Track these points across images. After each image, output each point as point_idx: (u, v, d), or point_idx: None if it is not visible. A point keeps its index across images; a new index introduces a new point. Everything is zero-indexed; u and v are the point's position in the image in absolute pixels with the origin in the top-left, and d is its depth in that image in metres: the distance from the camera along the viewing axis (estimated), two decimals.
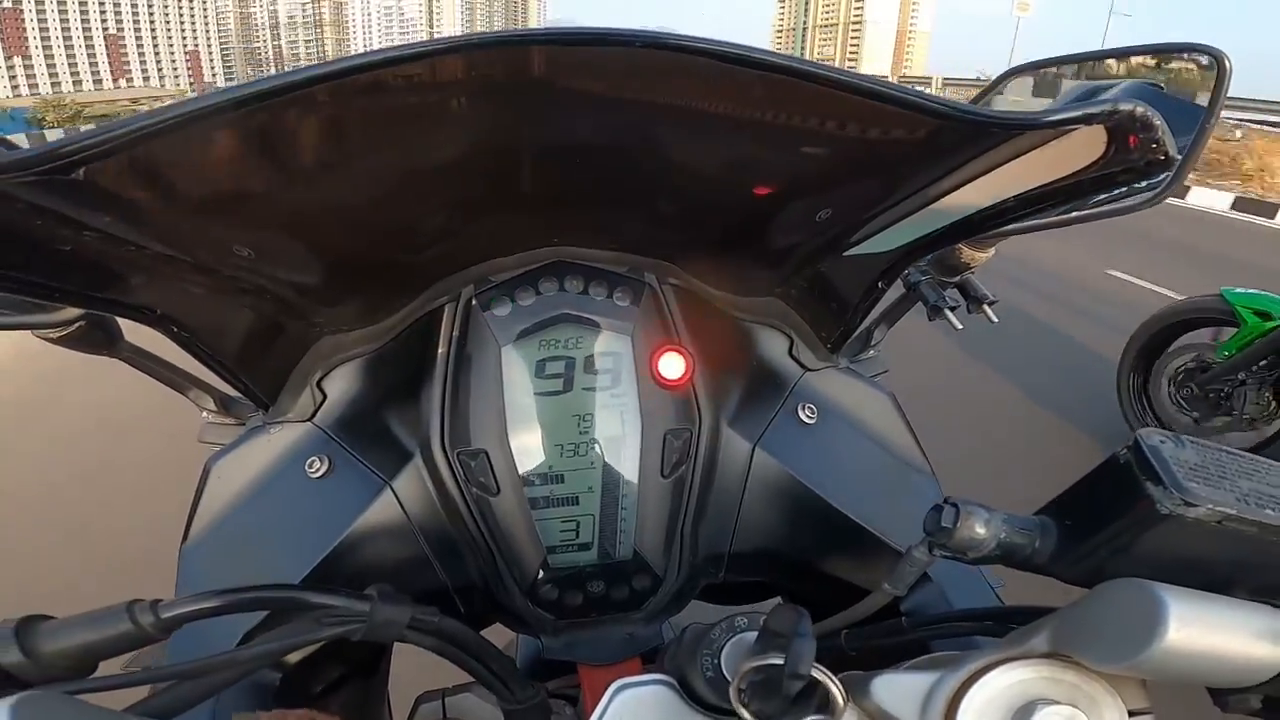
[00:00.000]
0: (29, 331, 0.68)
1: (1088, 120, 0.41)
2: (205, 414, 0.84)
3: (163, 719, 0.42)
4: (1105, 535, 0.39)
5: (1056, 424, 3.89)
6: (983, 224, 0.56)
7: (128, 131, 0.34)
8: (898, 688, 0.44)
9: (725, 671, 0.46)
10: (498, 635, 0.73)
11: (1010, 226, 0.74)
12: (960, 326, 0.83)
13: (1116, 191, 0.59)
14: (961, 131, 0.44)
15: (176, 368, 0.82)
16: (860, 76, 0.39)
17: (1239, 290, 3.02)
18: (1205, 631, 0.35)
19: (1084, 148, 0.45)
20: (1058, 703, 0.39)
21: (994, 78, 1.05)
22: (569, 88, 0.41)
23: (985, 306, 0.84)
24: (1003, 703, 0.41)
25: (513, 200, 0.57)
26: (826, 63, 0.40)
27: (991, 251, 0.79)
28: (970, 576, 0.66)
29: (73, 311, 0.68)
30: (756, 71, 0.37)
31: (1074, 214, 0.75)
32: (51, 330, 0.68)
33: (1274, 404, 2.88)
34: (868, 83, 0.39)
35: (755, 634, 0.45)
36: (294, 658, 0.62)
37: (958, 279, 0.84)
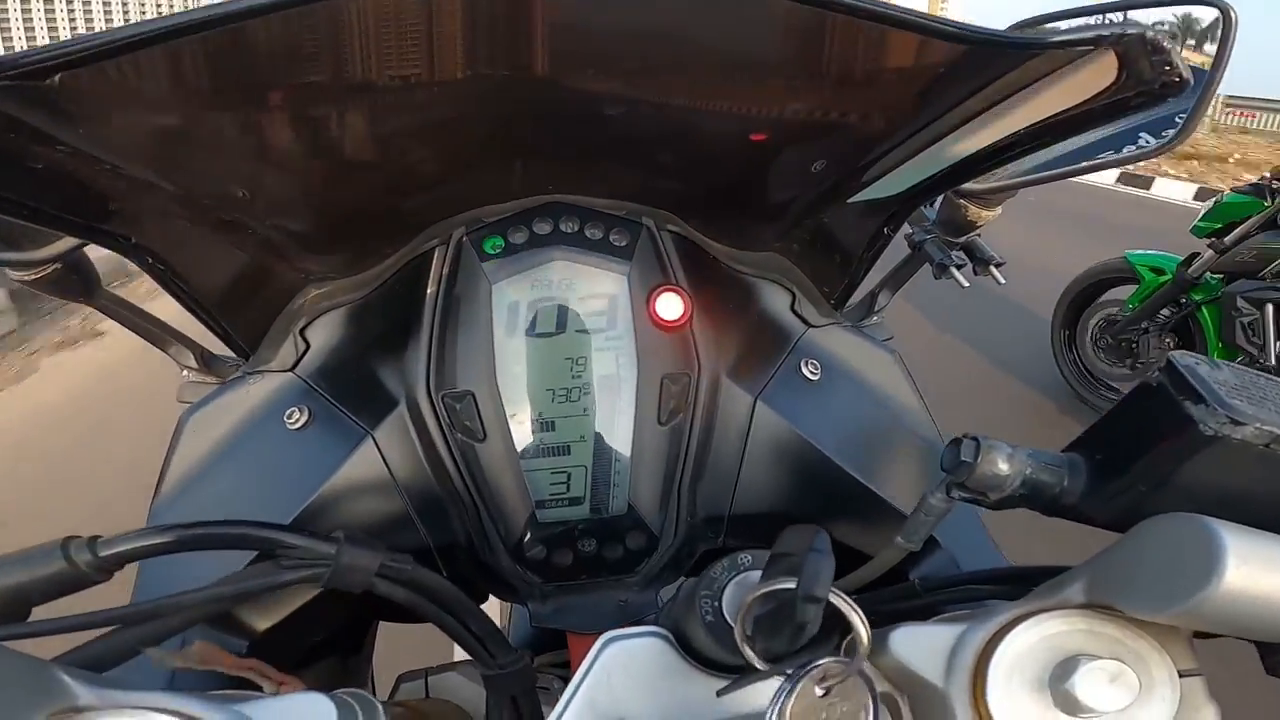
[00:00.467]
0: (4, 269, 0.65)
1: (1098, 42, 0.38)
2: (185, 372, 0.80)
3: (98, 669, 0.38)
4: (1142, 467, 0.36)
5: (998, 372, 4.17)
6: (990, 160, 0.52)
7: (108, 42, 0.31)
8: (920, 641, 0.40)
9: (728, 615, 0.41)
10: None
11: (1022, 176, 0.72)
12: (966, 284, 0.80)
13: (1126, 126, 0.56)
14: (966, 56, 0.41)
15: (157, 320, 0.79)
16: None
17: (1139, 251, 3.42)
18: (1267, 572, 0.30)
19: (1094, 75, 0.42)
20: (1100, 657, 0.35)
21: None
22: (565, 24, 0.39)
23: (992, 267, 0.81)
24: (1038, 657, 0.37)
25: (508, 147, 0.54)
26: None
27: (999, 210, 0.76)
28: (979, 540, 0.63)
29: (49, 251, 0.64)
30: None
31: (1086, 162, 0.72)
32: (25, 271, 0.64)
33: (1174, 348, 3.17)
34: (862, 2, 0.36)
35: (758, 571, 0.41)
36: (263, 624, 0.59)
37: (964, 239, 0.80)
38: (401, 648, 0.94)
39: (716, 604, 0.42)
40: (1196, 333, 3.08)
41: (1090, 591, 0.36)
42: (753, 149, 0.54)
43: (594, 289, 0.62)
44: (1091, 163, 0.72)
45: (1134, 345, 3.37)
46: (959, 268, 0.79)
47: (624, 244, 0.62)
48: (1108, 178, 10.40)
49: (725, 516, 0.66)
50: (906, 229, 0.87)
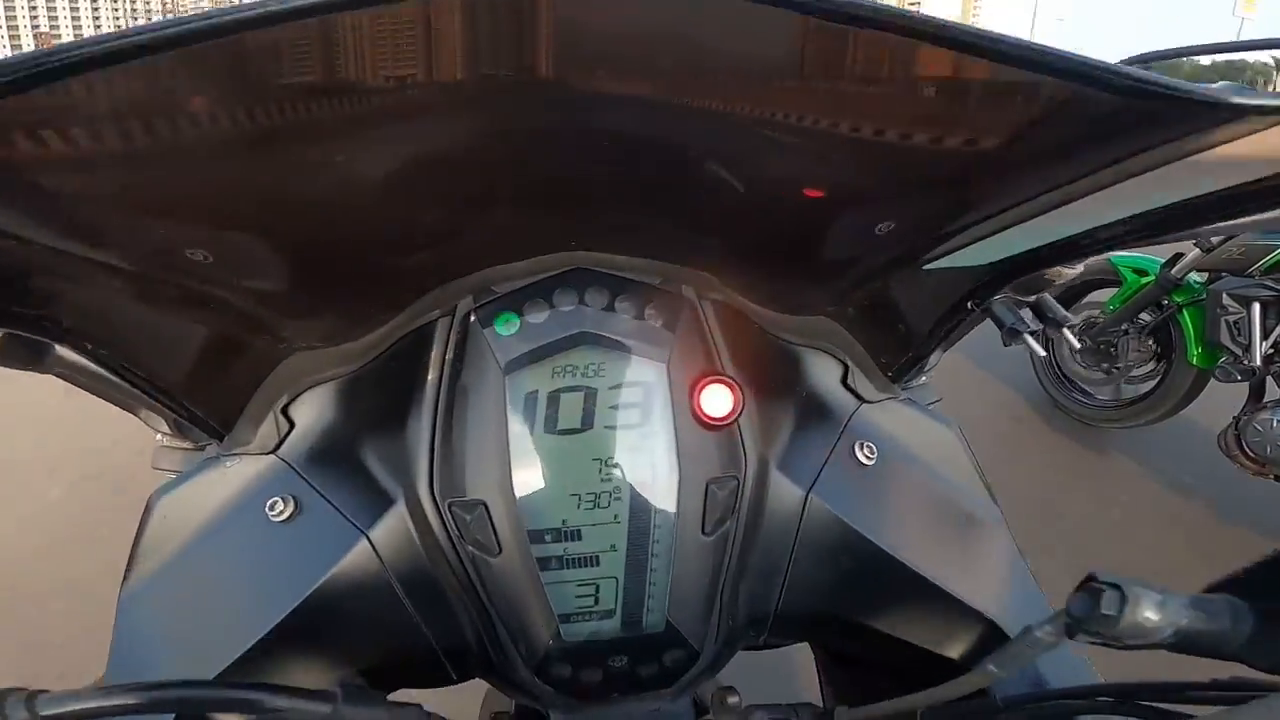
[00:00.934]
0: None
1: None
2: (159, 436, 0.72)
3: None
4: None
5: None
6: (1123, 235, 0.44)
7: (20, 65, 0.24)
8: None
9: None
10: None
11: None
12: (1044, 353, 0.71)
13: None
14: (1117, 111, 0.32)
15: (122, 385, 0.71)
16: (962, 26, 0.28)
17: (1122, 253, 3.15)
18: None
19: (1266, 147, 0.34)
20: None
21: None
22: (590, 51, 0.31)
23: (1064, 330, 0.72)
24: None
25: (523, 194, 0.45)
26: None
27: (1080, 267, 0.68)
28: (1065, 656, 0.54)
29: None
30: (817, 19, 0.28)
31: (1221, 222, 0.64)
32: None
33: (1155, 349, 3.14)
34: (974, 33, 0.28)
35: None
36: None
37: (1033, 298, 0.72)
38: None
39: None
40: (1177, 336, 2.98)
41: None
42: (808, 204, 0.45)
43: (627, 377, 0.53)
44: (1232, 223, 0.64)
45: (1113, 348, 3.25)
46: (1032, 334, 0.69)
47: (663, 322, 0.54)
48: None
49: (770, 616, 0.58)
50: None
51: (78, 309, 0.42)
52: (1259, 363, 2.60)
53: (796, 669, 1.40)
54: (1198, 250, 2.86)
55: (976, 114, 0.35)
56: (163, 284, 0.43)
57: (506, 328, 0.52)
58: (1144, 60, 0.86)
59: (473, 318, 0.53)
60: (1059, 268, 0.67)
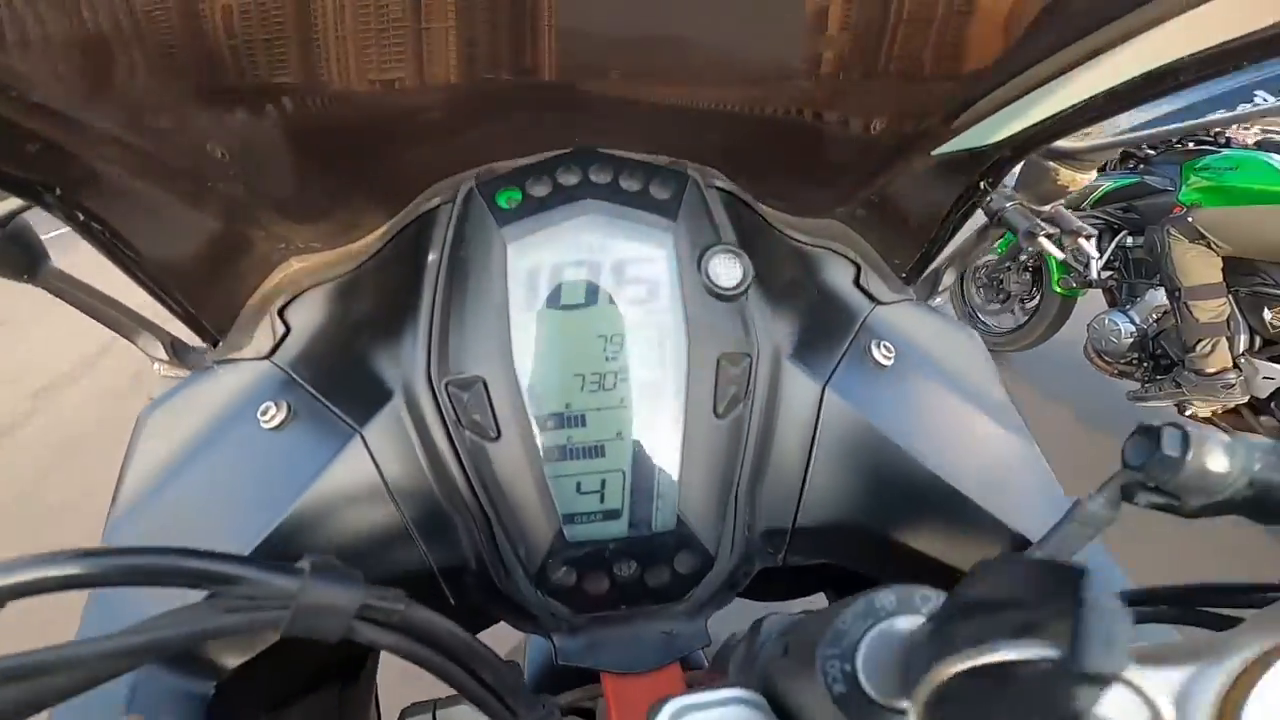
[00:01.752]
0: None
1: None
2: (157, 365, 0.68)
3: None
4: None
5: None
6: (1122, 100, 0.41)
7: None
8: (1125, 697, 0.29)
9: (868, 685, 0.27)
10: (498, 639, 0.57)
11: (1121, 134, 0.61)
12: (1061, 255, 0.68)
13: (1240, 81, 0.45)
14: None
15: (118, 304, 0.67)
16: None
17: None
18: None
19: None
20: None
21: None
22: None
23: (1081, 239, 0.69)
24: None
25: (531, 91, 0.43)
26: None
27: (1093, 173, 0.65)
28: (1095, 553, 0.51)
29: None
30: None
31: (1194, 120, 0.62)
32: None
33: (1032, 282, 3.58)
34: None
35: (915, 619, 0.28)
36: (234, 659, 0.47)
37: (1049, 208, 0.69)
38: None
39: (849, 668, 0.28)
40: (1044, 268, 3.45)
41: None
42: (799, 101, 0.44)
43: (632, 251, 0.49)
44: (1201, 120, 0.62)
45: (1001, 282, 3.75)
46: (1048, 236, 0.67)
47: (667, 197, 0.50)
48: None
49: (789, 529, 0.54)
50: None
51: (77, 177, 0.40)
52: (1096, 277, 3.08)
53: None
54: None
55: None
56: (180, 174, 0.42)
57: (509, 201, 0.49)
58: None
59: (475, 194, 0.49)
60: (1074, 174, 0.65)
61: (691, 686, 0.52)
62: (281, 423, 0.52)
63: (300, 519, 0.48)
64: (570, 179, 0.50)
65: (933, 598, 0.28)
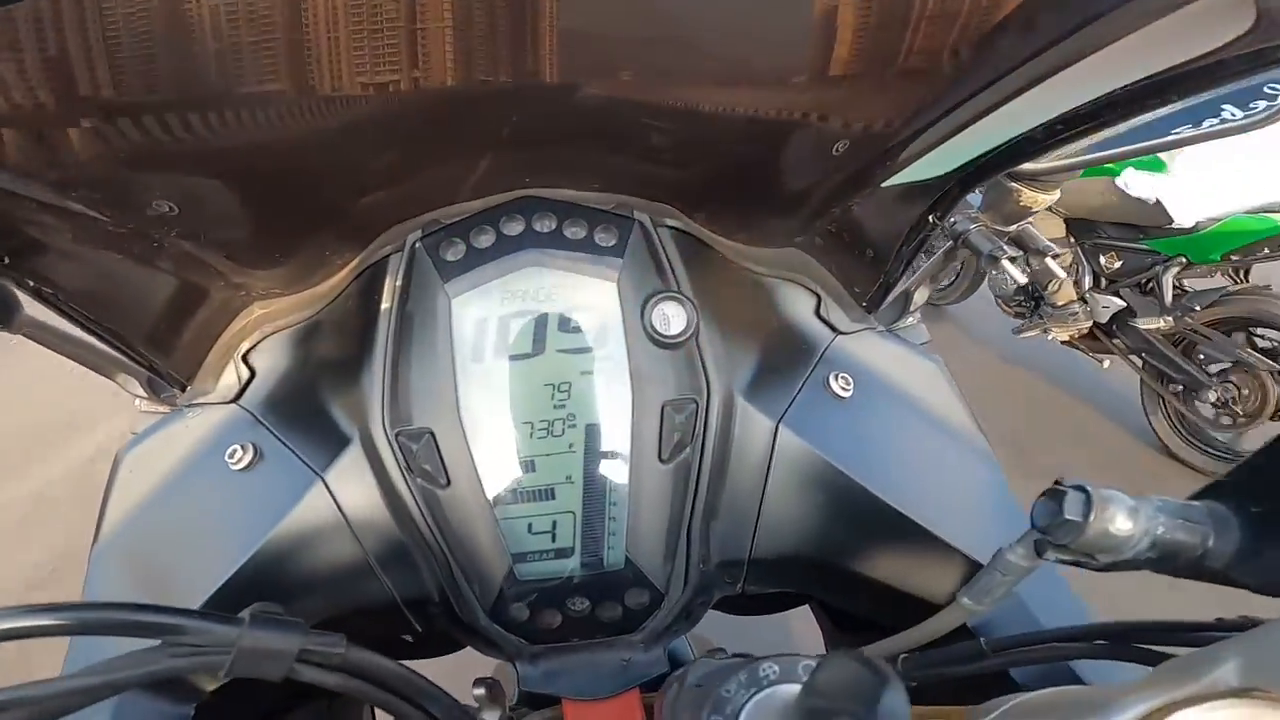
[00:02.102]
0: None
1: None
2: (138, 401, 0.70)
3: None
4: None
5: None
6: (1072, 130, 0.42)
7: None
8: None
9: None
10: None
11: (1085, 154, 0.60)
12: (1023, 281, 0.68)
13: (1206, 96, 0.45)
14: None
15: (93, 346, 0.69)
16: None
17: None
18: None
19: (1220, 19, 0.33)
20: None
21: None
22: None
23: (1048, 259, 0.69)
24: None
25: (477, 137, 0.44)
26: None
27: (1056, 193, 0.64)
28: (1052, 585, 0.52)
29: None
30: None
31: (1159, 139, 0.61)
32: None
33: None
34: None
35: (794, 689, 0.29)
36: (208, 684, 0.49)
37: (1013, 228, 0.68)
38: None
39: None
40: None
41: (1248, 674, 0.26)
42: (762, 127, 0.43)
43: (578, 299, 0.50)
44: (1165, 139, 0.61)
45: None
46: (1012, 260, 0.66)
47: (612, 244, 0.51)
48: None
49: (745, 560, 0.55)
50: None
51: (40, 257, 0.41)
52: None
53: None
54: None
55: (923, 20, 0.34)
56: (128, 234, 0.42)
57: (453, 254, 0.50)
58: None
59: (419, 246, 0.50)
60: (1036, 195, 0.64)
61: (649, 710, 0.54)
62: (249, 464, 0.53)
63: (267, 556, 0.50)
64: (514, 228, 0.50)
65: (811, 664, 0.29)
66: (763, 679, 0.30)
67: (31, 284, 0.42)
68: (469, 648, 0.63)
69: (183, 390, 0.57)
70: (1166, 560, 0.30)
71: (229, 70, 0.31)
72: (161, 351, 0.52)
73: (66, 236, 0.41)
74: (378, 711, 0.53)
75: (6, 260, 0.40)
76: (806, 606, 0.73)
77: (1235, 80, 0.39)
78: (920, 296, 0.72)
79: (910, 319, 0.71)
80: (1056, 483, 0.32)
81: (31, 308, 0.64)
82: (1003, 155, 0.45)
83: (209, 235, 0.46)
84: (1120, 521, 0.29)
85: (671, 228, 0.54)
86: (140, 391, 0.69)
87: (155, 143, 0.35)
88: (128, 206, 0.40)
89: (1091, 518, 0.29)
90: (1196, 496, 0.32)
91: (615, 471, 0.50)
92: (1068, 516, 0.29)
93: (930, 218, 0.50)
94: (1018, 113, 0.41)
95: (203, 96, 0.33)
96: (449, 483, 0.49)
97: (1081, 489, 0.30)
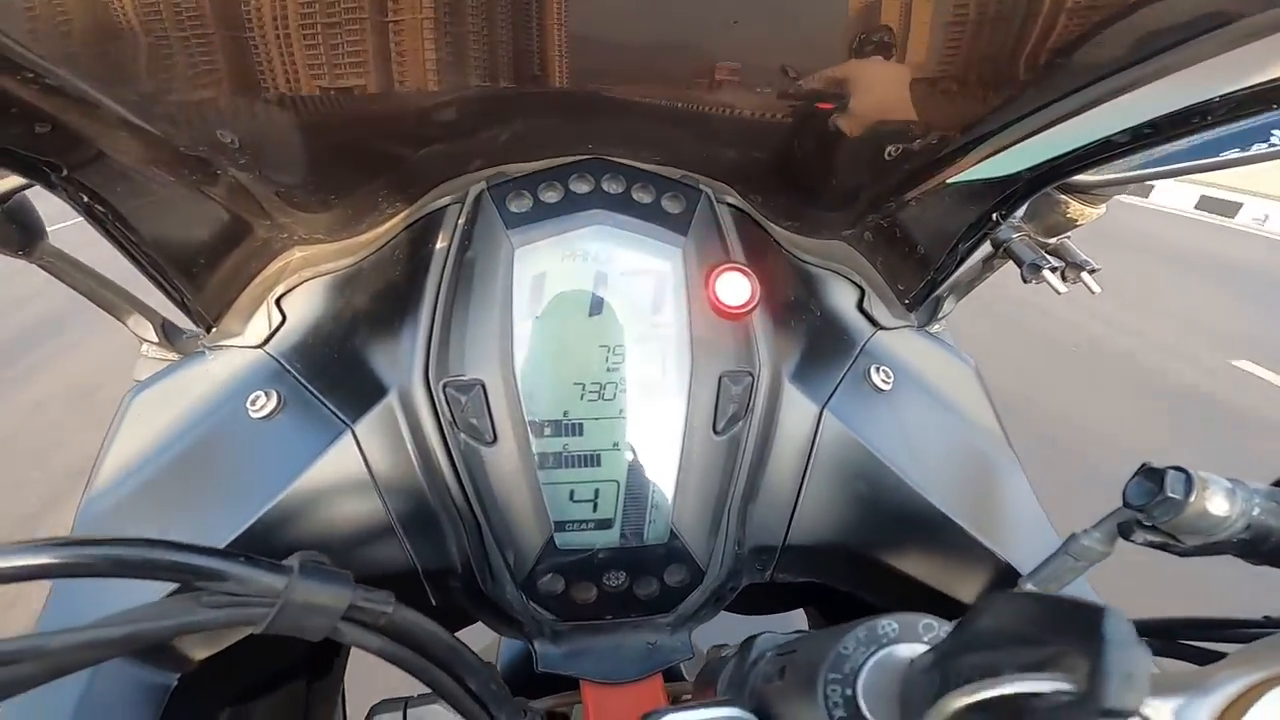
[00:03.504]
0: None
1: None
2: (144, 345, 0.68)
3: None
4: None
5: None
6: (1149, 138, 0.41)
7: None
8: None
9: (869, 708, 0.28)
10: (473, 635, 0.57)
11: (1136, 170, 0.61)
12: (1063, 290, 0.69)
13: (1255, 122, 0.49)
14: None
15: (110, 283, 0.67)
16: None
17: None
18: None
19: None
20: None
21: None
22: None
23: (1084, 274, 0.70)
24: None
25: (546, 99, 0.43)
26: None
27: (1103, 209, 0.66)
28: (1078, 590, 0.52)
29: None
30: None
31: (1208, 159, 0.62)
32: None
33: None
34: None
35: (917, 648, 0.28)
36: (201, 652, 0.47)
37: (1055, 241, 0.70)
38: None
39: (850, 692, 0.28)
40: None
41: None
42: (820, 122, 0.43)
43: (640, 264, 0.49)
44: (1214, 160, 0.62)
45: None
46: (1054, 270, 0.67)
47: (678, 211, 0.51)
48: None
49: (779, 546, 0.55)
50: None
51: (85, 159, 0.39)
52: None
53: None
54: None
55: (984, 20, 0.34)
56: (188, 159, 0.41)
57: (518, 205, 0.49)
58: None
59: (486, 196, 0.50)
60: (1083, 208, 0.65)
61: (674, 699, 0.52)
62: (271, 412, 0.51)
63: (284, 511, 0.48)
64: (583, 187, 0.50)
65: (936, 627, 0.28)
66: (881, 637, 0.29)
67: (85, 199, 0.40)
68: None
69: (208, 330, 0.55)
70: (1257, 543, 0.30)
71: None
72: (195, 285, 0.50)
73: (130, 154, 0.40)
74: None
75: (65, 173, 0.39)
76: (800, 611, 0.73)
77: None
78: (950, 305, 0.73)
79: (938, 325, 0.72)
80: (1145, 466, 0.32)
81: (58, 242, 0.62)
82: (1082, 156, 0.45)
83: (265, 170, 0.45)
84: (1219, 502, 0.29)
85: (731, 206, 0.54)
86: (152, 336, 0.67)
87: (230, 77, 0.35)
88: (196, 131, 0.39)
89: (1193, 497, 0.29)
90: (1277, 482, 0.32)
91: (665, 441, 0.49)
92: (1170, 494, 0.30)
93: (995, 215, 0.51)
94: (1096, 119, 0.41)
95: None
96: (495, 440, 0.48)
97: (1181, 470, 0.30)
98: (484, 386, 0.47)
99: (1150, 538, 0.32)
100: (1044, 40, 0.35)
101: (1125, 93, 0.38)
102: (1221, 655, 0.34)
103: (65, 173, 0.39)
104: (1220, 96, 0.37)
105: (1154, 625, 0.40)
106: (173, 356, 0.67)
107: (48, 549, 0.28)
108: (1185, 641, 0.39)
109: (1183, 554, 0.32)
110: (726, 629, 0.60)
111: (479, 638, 0.70)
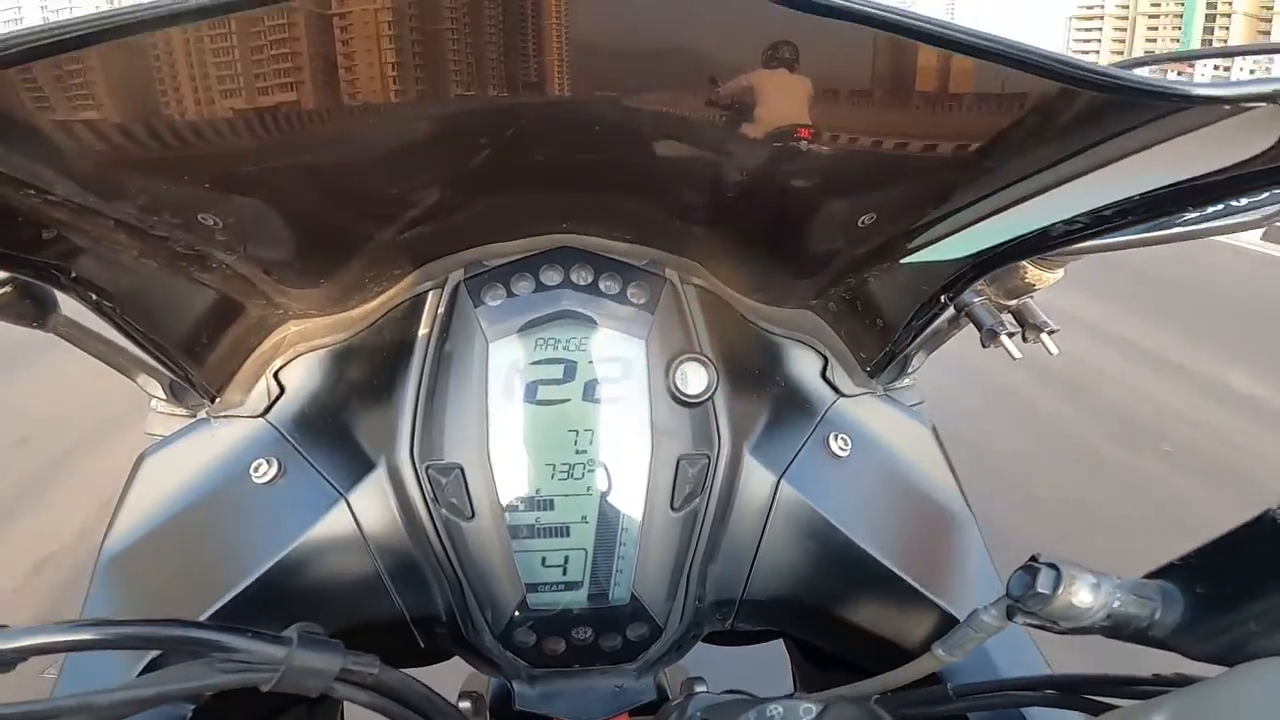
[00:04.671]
0: None
1: (1275, 98, 0.32)
2: (154, 401, 0.74)
3: None
4: (1255, 607, 0.33)
5: None
6: (1090, 229, 0.46)
7: (39, 35, 0.27)
8: None
9: None
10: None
11: (1113, 238, 0.66)
12: (1019, 355, 0.74)
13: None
14: (1082, 104, 0.35)
15: (121, 348, 0.74)
16: (966, 29, 0.31)
17: None
18: None
19: (1248, 135, 0.36)
20: None
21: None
22: (592, 39, 0.35)
23: (1044, 335, 0.75)
24: None
25: (519, 175, 0.49)
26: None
27: (1061, 272, 0.70)
28: (1013, 635, 0.57)
29: None
30: (811, 16, 0.30)
31: (1193, 227, 0.66)
32: None
33: None
34: (955, 31, 0.31)
35: None
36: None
37: (1016, 302, 0.75)
38: None
39: None
40: None
41: None
42: (793, 193, 0.49)
43: (607, 352, 0.56)
44: (1171, 231, 0.66)
45: None
46: (1010, 335, 0.72)
47: (643, 301, 0.57)
48: None
49: (737, 600, 0.61)
50: None
51: (88, 260, 0.45)
52: None
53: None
54: None
55: (957, 111, 0.38)
56: (172, 243, 0.46)
57: (493, 299, 0.55)
58: (1138, 63, 0.89)
59: (462, 288, 0.56)
60: (1041, 273, 0.70)
61: None
62: (273, 479, 0.58)
63: (287, 567, 0.54)
64: (553, 278, 0.56)
65: (814, 709, 0.34)
66: (771, 717, 0.35)
67: (94, 296, 0.46)
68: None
69: (212, 401, 0.61)
70: (1118, 629, 0.36)
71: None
72: (196, 361, 0.57)
73: (128, 250, 0.45)
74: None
75: (73, 274, 0.44)
76: (779, 640, 0.78)
77: (1251, 192, 0.43)
78: (918, 361, 0.78)
79: (907, 380, 0.77)
80: (1032, 558, 0.38)
81: (68, 308, 0.69)
82: (1021, 245, 0.50)
83: (250, 251, 0.50)
84: (1084, 596, 0.35)
85: (697, 286, 0.60)
86: (160, 394, 0.74)
87: (192, 158, 0.39)
88: (171, 216, 0.44)
89: (1059, 591, 0.35)
90: (1151, 575, 0.37)
91: (628, 515, 0.56)
92: (1039, 589, 0.35)
93: (943, 297, 0.56)
94: (1038, 209, 0.46)
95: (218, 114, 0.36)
96: (473, 515, 0.54)
97: (1054, 566, 0.35)
98: (462, 470, 0.54)
99: (1029, 621, 0.37)
100: (981, 146, 0.40)
101: (1066, 183, 0.42)
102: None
103: (73, 275, 0.44)
104: (1140, 195, 0.42)
105: (1059, 681, 0.46)
106: (180, 411, 0.73)
107: (91, 627, 0.36)
108: (1087, 696, 0.44)
109: (1059, 633, 0.37)
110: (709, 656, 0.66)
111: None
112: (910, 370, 0.78)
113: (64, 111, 0.33)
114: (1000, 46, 0.31)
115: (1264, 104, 0.32)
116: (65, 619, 0.37)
